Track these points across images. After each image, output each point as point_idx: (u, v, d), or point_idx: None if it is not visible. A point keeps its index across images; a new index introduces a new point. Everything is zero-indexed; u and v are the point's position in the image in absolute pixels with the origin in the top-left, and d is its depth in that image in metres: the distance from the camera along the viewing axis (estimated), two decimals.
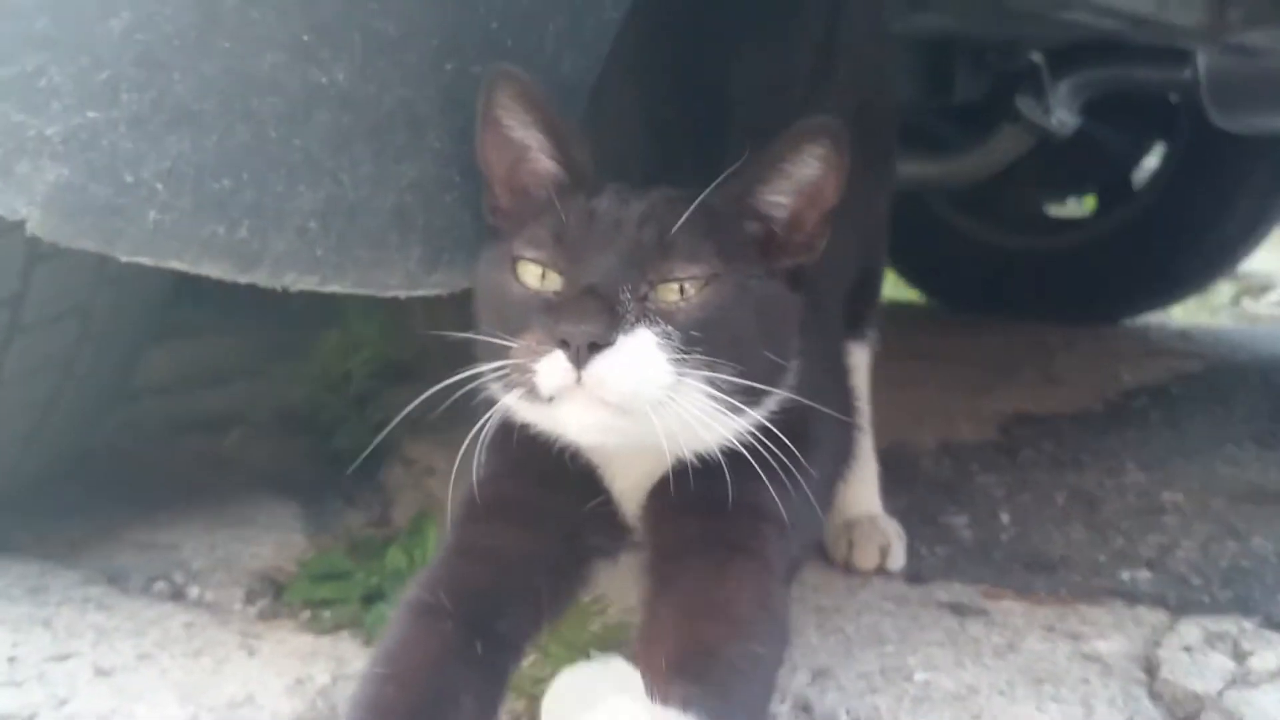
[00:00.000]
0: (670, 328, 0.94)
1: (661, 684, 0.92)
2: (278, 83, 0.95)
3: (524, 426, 1.02)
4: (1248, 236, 2.94)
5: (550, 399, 0.93)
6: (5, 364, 1.34)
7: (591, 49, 1.08)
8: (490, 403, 1.00)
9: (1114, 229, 3.05)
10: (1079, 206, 3.43)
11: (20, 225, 0.91)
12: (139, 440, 1.95)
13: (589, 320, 0.90)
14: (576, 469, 1.08)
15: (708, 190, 0.99)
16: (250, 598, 1.39)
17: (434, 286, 1.06)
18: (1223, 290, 3.67)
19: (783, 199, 1.03)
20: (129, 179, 0.90)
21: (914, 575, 1.41)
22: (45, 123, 0.88)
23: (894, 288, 3.95)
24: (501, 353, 0.96)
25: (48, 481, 1.60)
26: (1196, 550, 1.48)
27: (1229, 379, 2.43)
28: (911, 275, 3.40)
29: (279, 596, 1.40)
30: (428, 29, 0.98)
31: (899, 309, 3.28)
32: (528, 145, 1.03)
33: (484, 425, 0.99)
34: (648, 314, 0.94)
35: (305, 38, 0.95)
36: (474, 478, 1.10)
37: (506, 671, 1.05)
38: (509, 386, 0.96)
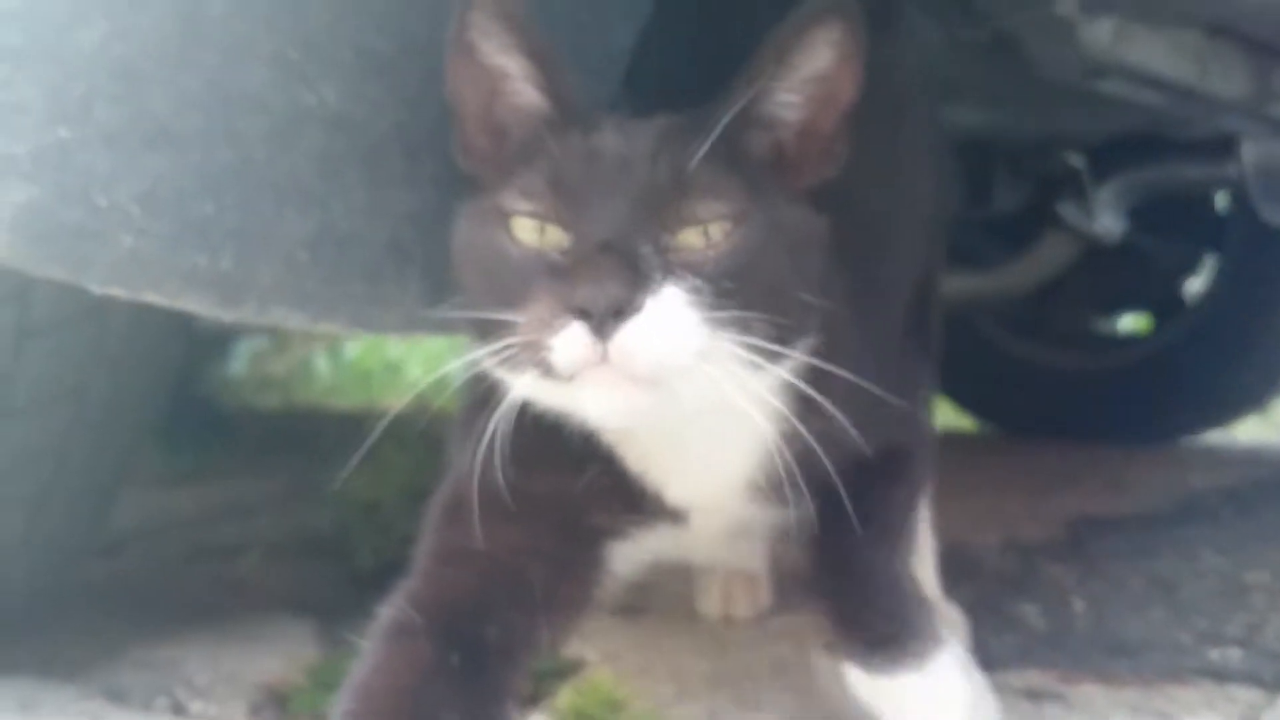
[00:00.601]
0: (700, 281, 0.81)
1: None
2: (264, 101, 0.89)
3: (525, 409, 0.87)
4: None
5: (570, 377, 0.80)
6: None
7: (602, 76, 1.02)
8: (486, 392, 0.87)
9: (1167, 345, 2.94)
10: (1133, 324, 3.33)
11: (7, 301, 0.85)
12: (153, 566, 1.87)
13: (609, 283, 0.77)
14: (588, 449, 0.93)
15: (728, 114, 0.85)
16: (254, 710, 1.28)
17: (434, 328, 0.98)
18: None
19: (793, 98, 0.89)
20: (102, 202, 0.84)
21: (982, 664, 1.28)
22: (12, 140, 0.82)
23: (947, 416, 3.84)
24: (503, 329, 0.82)
25: (49, 601, 1.50)
26: None
27: None
28: (963, 400, 3.29)
29: (285, 708, 1.29)
30: (424, 47, 0.92)
31: (953, 438, 3.16)
32: (508, 73, 0.89)
33: (494, 417, 0.84)
34: (672, 268, 0.81)
35: (293, 54, 0.89)
36: (458, 473, 0.97)
37: (506, 681, 0.94)
38: (517, 367, 0.82)
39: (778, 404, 0.87)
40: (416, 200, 0.93)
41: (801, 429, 0.87)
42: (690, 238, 0.83)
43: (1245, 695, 1.16)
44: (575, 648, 1.36)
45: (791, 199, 0.90)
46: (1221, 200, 2.94)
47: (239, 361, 5.00)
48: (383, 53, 0.92)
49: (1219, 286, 2.88)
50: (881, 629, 0.99)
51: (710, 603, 1.49)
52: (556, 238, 0.84)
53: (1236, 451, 2.86)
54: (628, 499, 0.96)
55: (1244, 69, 1.69)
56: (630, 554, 1.03)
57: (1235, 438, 3.09)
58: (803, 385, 0.87)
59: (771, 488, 0.95)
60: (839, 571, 1.02)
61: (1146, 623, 1.40)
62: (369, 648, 0.93)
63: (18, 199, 0.82)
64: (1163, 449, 2.75)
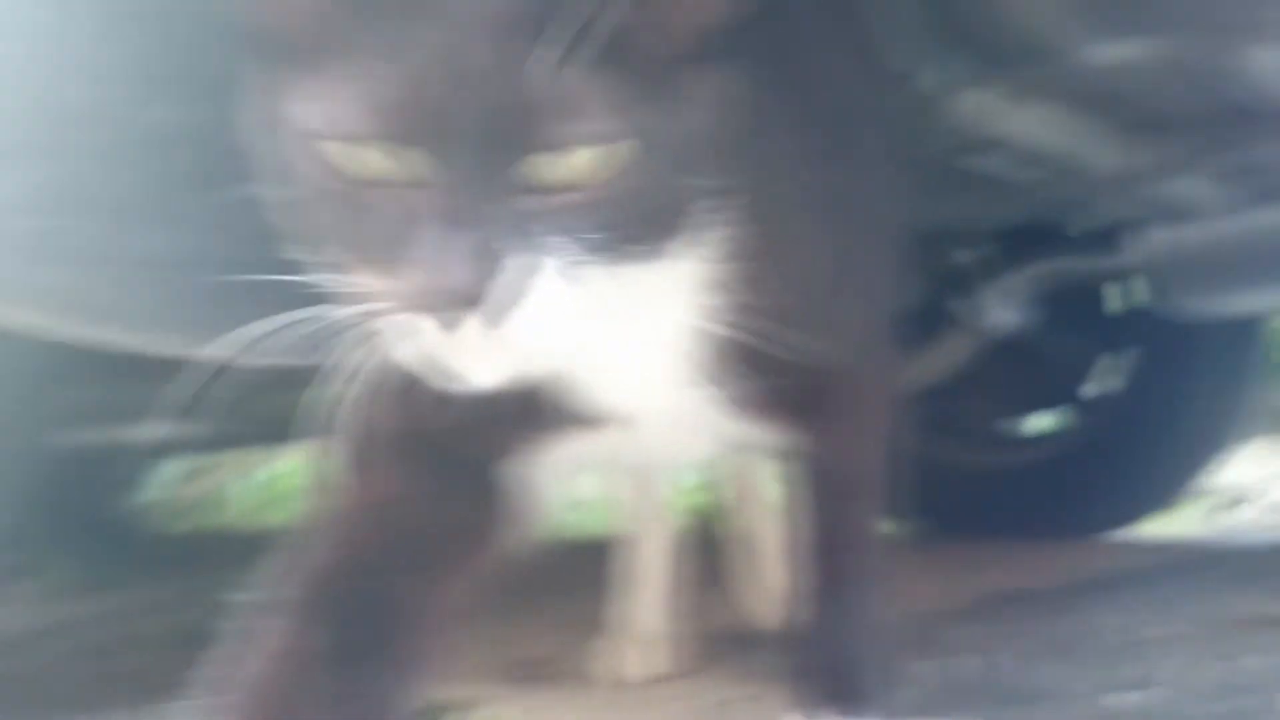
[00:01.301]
0: (568, 238, 0.64)
1: None
2: (101, 116, 0.87)
3: None
4: (1212, 441, 2.85)
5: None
6: None
7: None
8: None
9: (1074, 442, 2.97)
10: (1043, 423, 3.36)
11: None
12: (39, 664, 1.80)
13: (453, 271, 0.61)
14: None
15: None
16: None
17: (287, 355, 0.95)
18: (1198, 505, 3.55)
19: None
20: None
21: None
22: None
23: None
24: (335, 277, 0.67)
25: None
26: (1184, 672, 1.33)
27: (1201, 558, 2.29)
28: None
29: None
30: None
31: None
32: None
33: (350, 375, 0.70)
34: (536, 223, 0.64)
35: (127, 71, 0.88)
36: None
37: (421, 637, 0.84)
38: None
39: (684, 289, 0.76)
40: (258, 220, 0.90)
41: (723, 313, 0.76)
42: (556, 169, 0.65)
43: None
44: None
45: (672, 70, 0.68)
46: (1121, 298, 3.00)
47: (153, 487, 4.88)
48: (220, 72, 0.90)
49: (1120, 383, 2.92)
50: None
51: (607, 664, 1.45)
52: (377, 163, 0.64)
53: (1144, 543, 2.87)
54: (530, 413, 0.84)
55: (1118, 145, 1.74)
56: (547, 473, 0.91)
57: (1145, 534, 3.10)
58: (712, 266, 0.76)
59: (697, 379, 0.84)
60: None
61: (1042, 675, 1.38)
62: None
63: None
64: (1072, 541, 2.74)
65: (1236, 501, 3.65)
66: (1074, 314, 2.94)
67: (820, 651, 1.04)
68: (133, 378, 2.32)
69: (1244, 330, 2.76)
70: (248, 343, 0.73)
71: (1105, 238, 2.38)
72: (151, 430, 3.60)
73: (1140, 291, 2.73)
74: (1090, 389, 3.03)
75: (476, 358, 0.67)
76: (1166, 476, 2.90)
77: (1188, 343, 2.75)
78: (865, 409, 1.04)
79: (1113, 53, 1.39)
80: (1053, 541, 2.76)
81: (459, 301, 0.62)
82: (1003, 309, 2.53)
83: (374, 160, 0.64)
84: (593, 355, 0.78)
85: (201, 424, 3.53)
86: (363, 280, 0.66)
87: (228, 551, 2.24)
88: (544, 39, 0.61)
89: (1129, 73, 1.43)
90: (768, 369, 0.82)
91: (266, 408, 3.16)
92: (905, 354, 2.64)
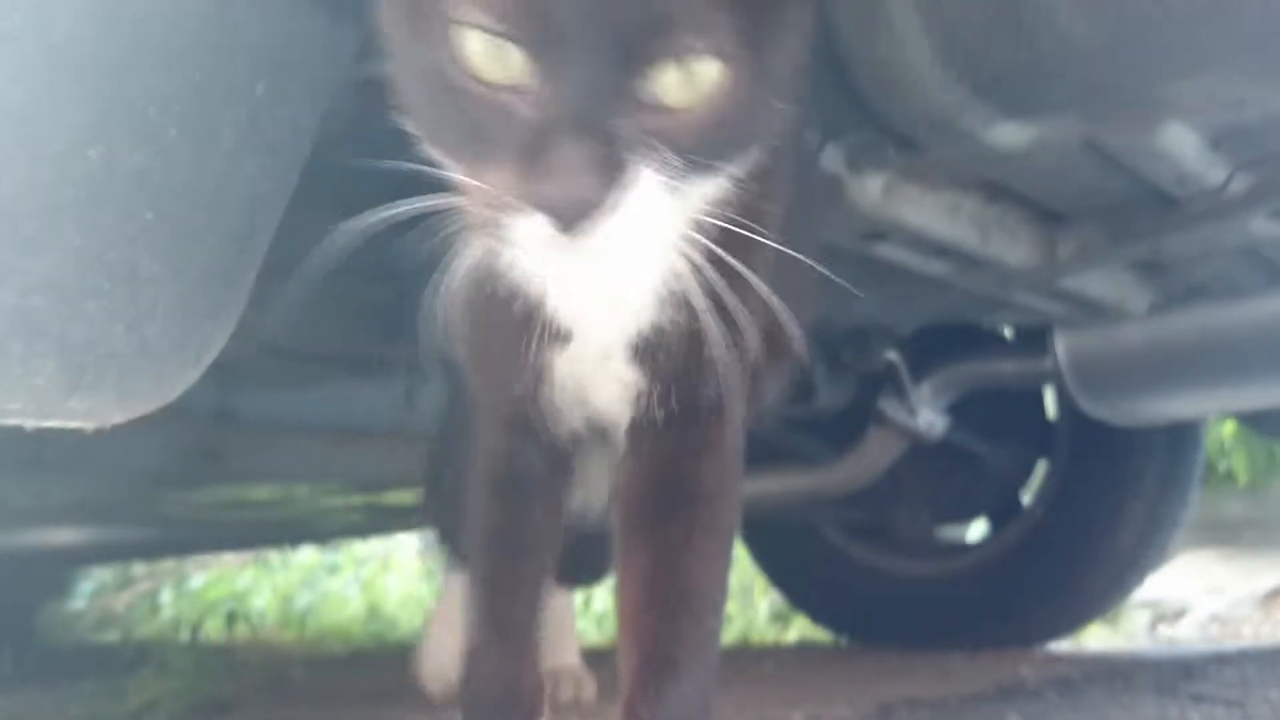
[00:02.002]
0: (669, 153, 0.70)
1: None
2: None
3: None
4: (1146, 547, 2.76)
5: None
6: None
7: (282, 151, 0.93)
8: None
9: (1006, 550, 2.87)
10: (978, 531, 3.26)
11: None
12: None
13: (581, 180, 0.66)
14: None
15: None
16: None
17: (73, 415, 0.85)
18: (1138, 617, 3.45)
19: None
20: None
21: None
22: None
23: (804, 629, 3.69)
24: (459, 170, 0.72)
25: None
26: None
27: (1130, 666, 2.17)
28: (812, 609, 3.18)
29: None
30: (66, 105, 0.83)
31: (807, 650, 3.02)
32: None
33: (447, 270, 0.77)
34: (647, 141, 0.69)
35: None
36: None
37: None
38: (468, 228, 0.74)
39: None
40: (52, 268, 0.81)
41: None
42: (664, 86, 0.69)
43: None
44: None
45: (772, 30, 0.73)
46: (1058, 403, 2.94)
47: (79, 598, 4.72)
48: (10, 105, 0.82)
49: (1050, 489, 2.83)
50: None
51: None
52: (517, 66, 0.68)
53: (1077, 653, 2.75)
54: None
55: (1029, 235, 1.67)
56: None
57: (1082, 643, 2.98)
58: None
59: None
60: None
61: None
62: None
63: None
64: (1005, 651, 2.62)
65: (1180, 613, 3.56)
66: (1013, 419, 2.88)
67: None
68: (51, 474, 2.21)
69: (1183, 438, 2.70)
70: (382, 217, 0.75)
71: (1034, 340, 2.33)
72: (75, 534, 3.47)
73: (1069, 400, 2.68)
74: (1028, 495, 2.96)
75: (560, 263, 0.76)
76: (1104, 586, 2.80)
77: (1125, 449, 2.68)
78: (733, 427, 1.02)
79: (1022, 134, 1.33)
80: (985, 652, 2.65)
81: (584, 206, 0.67)
82: (932, 410, 2.46)
83: (511, 60, 0.68)
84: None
85: (131, 529, 3.42)
86: (490, 178, 0.70)
87: (137, 661, 2.11)
88: None
89: (1039, 154, 1.37)
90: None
91: (206, 516, 3.06)
92: (836, 454, 2.58)
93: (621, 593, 1.00)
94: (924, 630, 2.85)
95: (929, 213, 1.53)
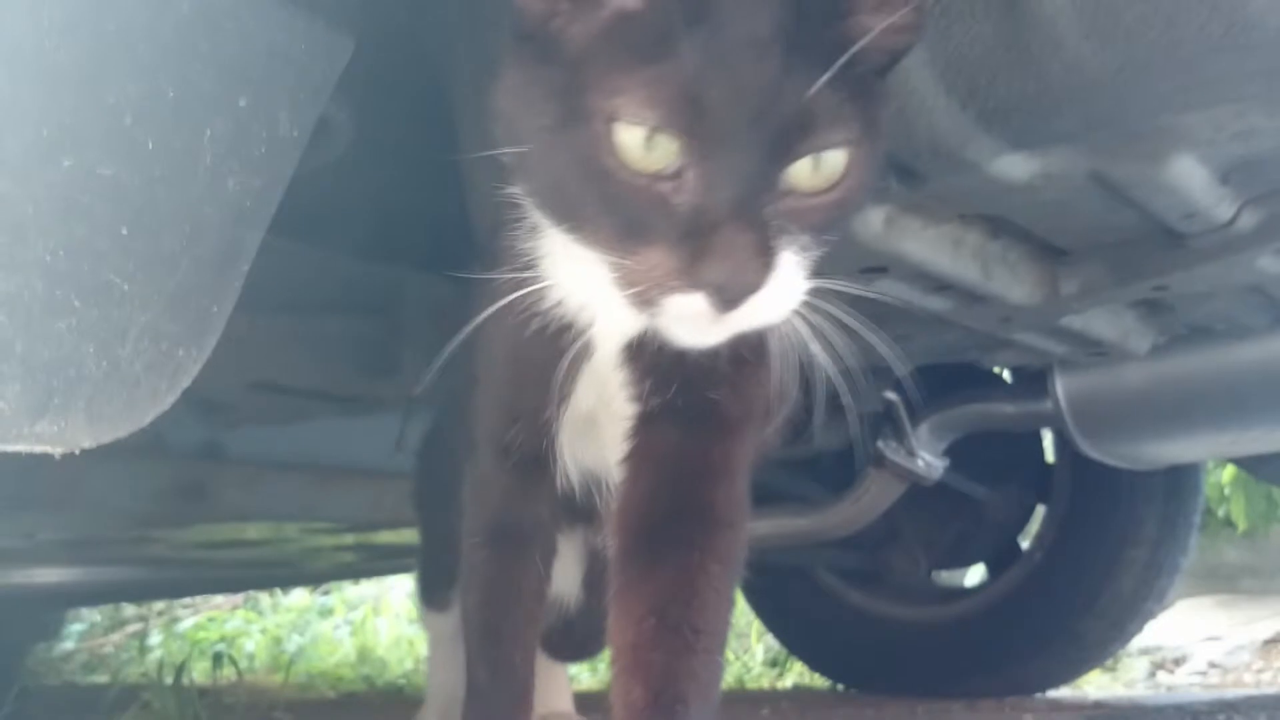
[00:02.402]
0: (806, 237, 0.77)
1: None
2: None
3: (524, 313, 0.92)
4: (1147, 593, 2.70)
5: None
6: None
7: (265, 168, 0.88)
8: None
9: (1005, 594, 2.81)
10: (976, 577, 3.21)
11: None
12: None
13: (745, 266, 0.73)
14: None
15: (859, 43, 0.75)
16: None
17: (40, 440, 0.80)
18: (1137, 664, 3.38)
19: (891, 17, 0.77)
20: None
21: None
22: None
23: (801, 675, 3.62)
24: (596, 241, 0.78)
25: None
26: None
27: (1137, 714, 2.10)
28: (808, 655, 3.11)
29: None
30: (32, 113, 0.78)
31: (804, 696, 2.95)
32: None
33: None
34: (789, 227, 0.76)
35: None
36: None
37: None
38: (615, 289, 0.78)
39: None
40: (18, 285, 0.77)
41: None
42: (803, 176, 0.76)
43: None
44: None
45: (879, 83, 0.82)
46: (1057, 447, 2.89)
47: (69, 639, 4.64)
48: None
49: (1049, 534, 2.77)
50: None
51: None
52: (674, 157, 0.74)
53: (1080, 699, 2.68)
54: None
55: (1031, 272, 1.63)
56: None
57: (1085, 692, 2.92)
58: None
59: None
60: None
61: None
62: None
63: None
64: (1005, 700, 2.55)
65: (1180, 660, 3.49)
66: (1011, 463, 2.83)
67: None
68: (36, 511, 2.16)
69: (1182, 482, 2.65)
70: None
71: (1033, 381, 2.29)
72: (63, 573, 3.40)
73: (1068, 444, 2.63)
74: (1026, 540, 2.90)
75: (703, 331, 0.80)
76: (1104, 633, 2.73)
77: (1126, 494, 2.63)
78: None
79: (1028, 166, 1.29)
80: (985, 699, 2.58)
81: (747, 290, 0.74)
82: (931, 452, 2.41)
83: (668, 151, 0.73)
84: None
85: (120, 569, 3.36)
86: (647, 260, 0.75)
87: (123, 703, 2.05)
88: (812, 58, 0.73)
89: (1045, 187, 1.33)
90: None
91: (195, 556, 2.99)
92: (832, 496, 2.53)
93: (621, 625, 0.96)
94: (921, 677, 2.79)
95: (930, 246, 1.49)
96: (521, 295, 0.89)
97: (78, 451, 0.83)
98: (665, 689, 0.91)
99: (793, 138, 0.74)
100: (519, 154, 0.81)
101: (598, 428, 1.04)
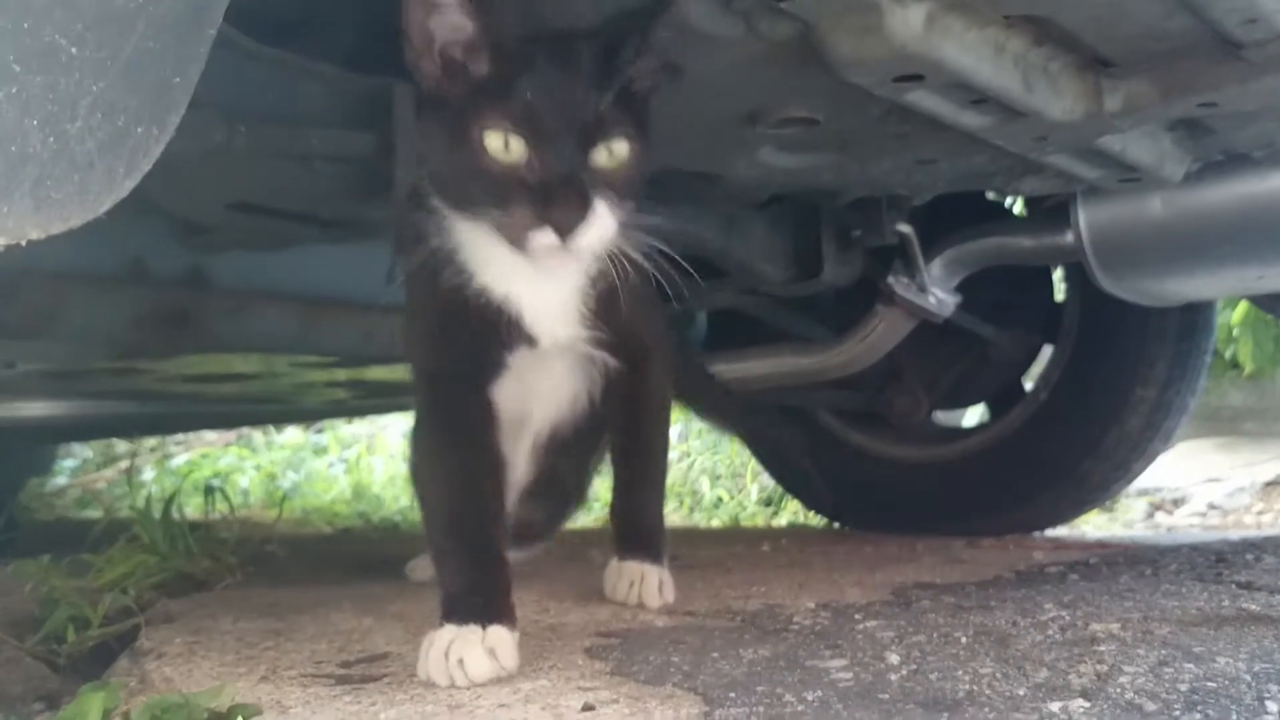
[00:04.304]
0: (611, 192, 1.18)
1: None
2: None
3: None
4: (1153, 434, 2.62)
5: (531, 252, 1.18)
6: None
7: None
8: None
9: (1007, 434, 2.73)
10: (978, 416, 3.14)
11: None
12: None
13: (573, 208, 1.14)
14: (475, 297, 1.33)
15: (625, 71, 1.20)
16: None
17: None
18: (1137, 505, 3.35)
19: (650, 60, 1.24)
20: None
21: None
22: None
23: (794, 513, 3.60)
24: (486, 213, 1.19)
25: None
26: (1146, 675, 1.04)
27: (1152, 553, 2.04)
28: (805, 494, 3.07)
29: None
30: None
31: (802, 534, 2.90)
32: (457, 25, 1.16)
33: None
34: (599, 185, 1.17)
35: None
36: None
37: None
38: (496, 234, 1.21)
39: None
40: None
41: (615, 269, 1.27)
42: (603, 158, 1.18)
43: None
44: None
45: (647, 105, 1.27)
46: (1060, 288, 2.79)
47: (62, 475, 4.59)
48: None
49: (1055, 373, 2.68)
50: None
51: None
52: (517, 150, 1.15)
53: (1085, 539, 2.63)
54: (502, 331, 1.35)
55: (1074, 85, 1.50)
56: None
57: (1083, 531, 2.87)
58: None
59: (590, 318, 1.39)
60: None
61: (974, 675, 1.09)
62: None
63: None
64: (1005, 538, 2.50)
65: (1179, 501, 3.45)
66: (1019, 302, 2.73)
67: (633, 522, 1.61)
68: (12, 340, 2.05)
69: (1196, 322, 2.55)
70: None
71: (1051, 215, 2.17)
72: (49, 407, 3.32)
73: (1081, 283, 2.53)
74: (1031, 380, 2.82)
75: (556, 260, 1.20)
76: (1108, 473, 2.67)
77: (1137, 334, 2.53)
78: (662, 366, 1.59)
79: None
80: (993, 537, 2.54)
81: (577, 221, 1.15)
82: (942, 288, 2.31)
83: (516, 148, 1.16)
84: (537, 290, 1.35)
85: (108, 403, 3.27)
86: (514, 216, 1.17)
87: (115, 536, 1.98)
88: (603, 87, 1.18)
89: None
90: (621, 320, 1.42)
91: (184, 390, 2.90)
92: (839, 335, 2.43)
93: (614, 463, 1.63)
94: (921, 516, 2.73)
95: (971, 51, 1.35)
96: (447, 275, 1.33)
97: (24, 243, 0.71)
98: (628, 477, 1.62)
99: (593, 133, 1.17)
100: (432, 171, 1.27)
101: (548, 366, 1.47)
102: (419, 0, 1.15)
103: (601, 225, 1.16)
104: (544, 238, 1.14)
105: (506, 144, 1.14)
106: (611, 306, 1.38)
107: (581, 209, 1.13)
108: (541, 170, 1.14)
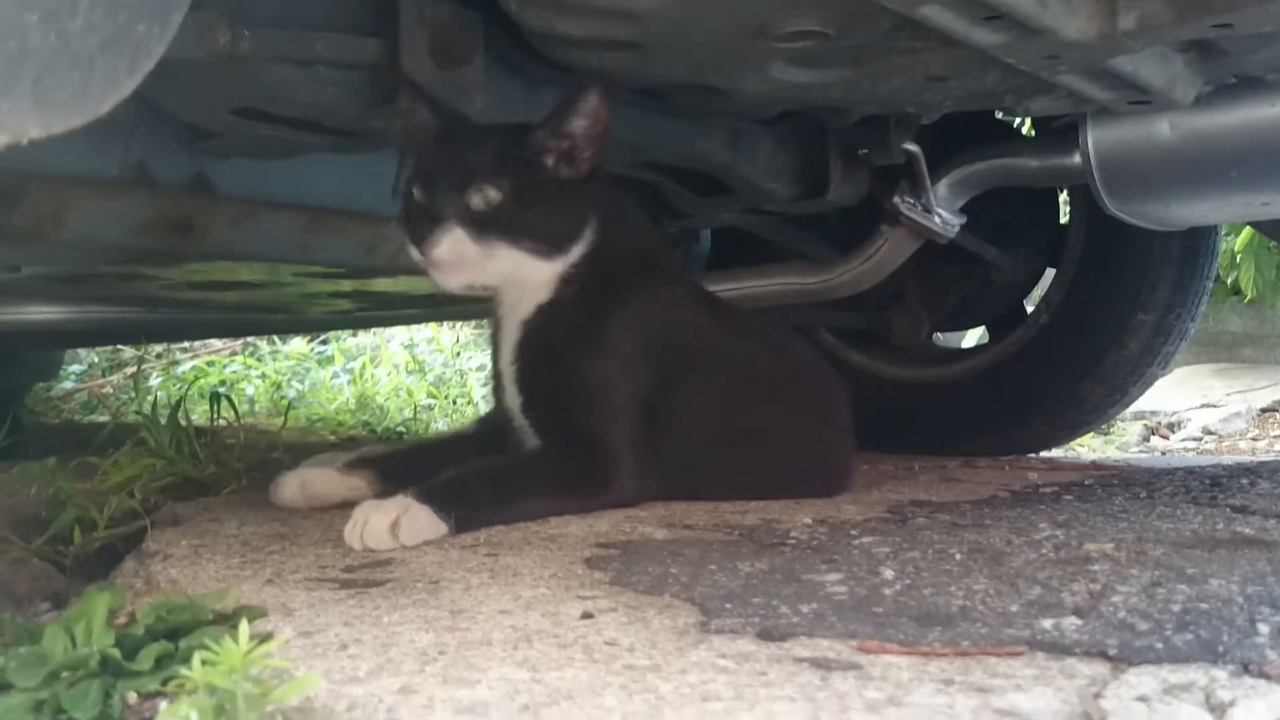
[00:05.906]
0: (474, 223, 1.54)
1: None
2: None
3: None
4: (1152, 358, 2.62)
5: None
6: None
7: None
8: None
9: (1007, 356, 2.72)
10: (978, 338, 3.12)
11: None
12: None
13: (424, 230, 1.54)
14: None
15: (503, 143, 1.59)
16: None
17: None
18: (1132, 429, 3.36)
19: (560, 140, 1.59)
20: None
21: (765, 632, 0.99)
22: None
23: None
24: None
25: None
26: (1139, 595, 1.05)
27: (1147, 475, 2.04)
28: None
29: None
30: None
31: None
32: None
33: None
34: (462, 216, 1.54)
35: None
36: None
37: None
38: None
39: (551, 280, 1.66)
40: None
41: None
42: (474, 198, 1.55)
43: (1086, 669, 0.88)
44: (276, 622, 1.05)
45: (552, 181, 1.61)
46: (1064, 211, 2.77)
47: (68, 379, 4.60)
48: None
49: (1057, 295, 2.67)
50: None
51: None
52: (418, 192, 1.59)
53: (1080, 460, 2.64)
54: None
55: (1088, 3, 1.47)
56: None
57: (1078, 453, 2.88)
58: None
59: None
60: None
61: (968, 591, 1.10)
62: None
63: None
64: (1005, 459, 2.51)
65: (1174, 426, 3.46)
66: (1022, 224, 2.71)
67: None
68: (14, 245, 2.04)
69: (1199, 247, 2.53)
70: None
71: (1060, 136, 2.14)
72: (54, 311, 3.31)
73: (1085, 206, 2.50)
74: (1032, 303, 2.81)
75: (431, 271, 1.59)
76: (1106, 397, 2.67)
77: (1141, 258, 2.52)
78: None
79: None
80: (983, 458, 2.54)
81: (430, 247, 1.55)
82: (948, 208, 2.29)
83: (417, 191, 1.61)
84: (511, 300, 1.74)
85: (113, 309, 3.26)
86: (415, 239, 1.59)
87: (121, 441, 1.98)
88: (477, 151, 1.59)
89: None
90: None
91: (189, 297, 2.88)
92: (843, 255, 2.42)
93: None
94: (917, 436, 2.73)
95: None
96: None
97: (24, 142, 0.70)
98: None
99: (466, 181, 1.55)
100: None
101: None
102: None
103: (454, 249, 1.54)
104: (418, 254, 1.57)
105: (414, 187, 1.62)
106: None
107: (438, 238, 1.53)
108: (428, 207, 1.57)
